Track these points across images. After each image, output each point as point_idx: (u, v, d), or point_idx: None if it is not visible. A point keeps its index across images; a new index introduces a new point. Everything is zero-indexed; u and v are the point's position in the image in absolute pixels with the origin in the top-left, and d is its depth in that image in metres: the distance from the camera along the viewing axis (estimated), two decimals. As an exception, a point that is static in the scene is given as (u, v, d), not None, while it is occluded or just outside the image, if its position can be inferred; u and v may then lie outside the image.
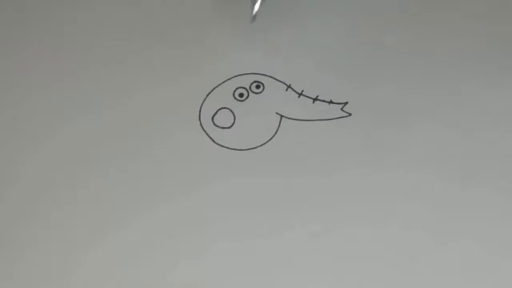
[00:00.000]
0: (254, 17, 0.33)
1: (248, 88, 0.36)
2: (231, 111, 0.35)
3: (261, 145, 0.34)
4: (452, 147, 0.34)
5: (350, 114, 0.35)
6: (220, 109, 0.35)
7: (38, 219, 0.32)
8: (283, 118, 0.35)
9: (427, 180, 0.33)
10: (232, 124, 0.35)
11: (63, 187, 0.33)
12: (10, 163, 0.34)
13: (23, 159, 0.34)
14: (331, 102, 0.35)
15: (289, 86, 0.36)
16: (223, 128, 0.35)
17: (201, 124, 0.35)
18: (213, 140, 0.34)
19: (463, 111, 0.35)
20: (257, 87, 0.36)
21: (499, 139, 0.34)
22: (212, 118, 0.35)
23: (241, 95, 0.36)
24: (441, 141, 0.34)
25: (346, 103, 0.35)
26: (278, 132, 0.35)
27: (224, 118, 0.35)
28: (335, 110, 0.35)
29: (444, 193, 0.33)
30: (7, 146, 0.34)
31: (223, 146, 0.34)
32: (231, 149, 0.34)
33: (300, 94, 0.36)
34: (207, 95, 0.35)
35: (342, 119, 0.35)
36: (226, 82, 0.36)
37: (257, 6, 0.33)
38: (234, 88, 0.36)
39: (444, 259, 0.31)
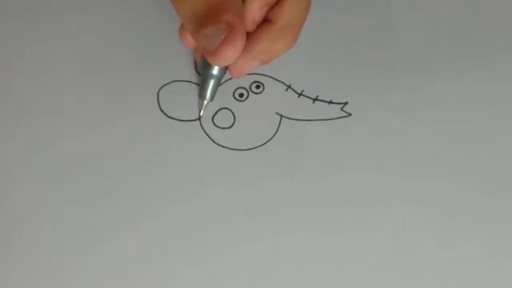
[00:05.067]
0: (200, 115, 0.35)
1: (248, 88, 0.36)
2: (231, 111, 0.35)
3: (261, 145, 0.34)
4: (453, 148, 0.34)
5: (350, 114, 0.35)
6: (220, 109, 0.35)
7: (39, 221, 0.32)
8: (283, 118, 0.35)
9: (428, 181, 0.33)
10: (232, 124, 0.35)
11: (64, 190, 0.33)
12: (13, 165, 0.34)
13: (25, 161, 0.34)
14: (331, 102, 0.35)
15: (289, 86, 0.36)
16: (223, 128, 0.35)
17: (201, 124, 0.35)
18: (213, 140, 0.34)
19: (465, 111, 0.35)
20: (257, 87, 0.36)
21: (499, 139, 0.34)
22: (212, 118, 0.35)
23: (241, 95, 0.36)
24: (442, 141, 0.34)
25: (346, 103, 0.35)
26: (278, 132, 0.35)
27: (224, 118, 0.35)
28: (335, 110, 0.35)
29: (446, 194, 0.33)
30: (10, 148, 0.34)
31: (223, 146, 0.34)
32: (231, 149, 0.34)
33: (300, 94, 0.36)
34: (207, 95, 0.35)
35: (342, 119, 0.35)
36: (226, 82, 0.36)
37: (204, 107, 0.35)
38: (234, 88, 0.36)
39: (445, 262, 0.31)
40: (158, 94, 0.35)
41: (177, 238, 0.32)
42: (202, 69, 0.34)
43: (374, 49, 0.37)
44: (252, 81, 0.36)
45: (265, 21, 0.33)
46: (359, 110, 0.35)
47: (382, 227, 0.32)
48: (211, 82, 0.34)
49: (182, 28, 0.34)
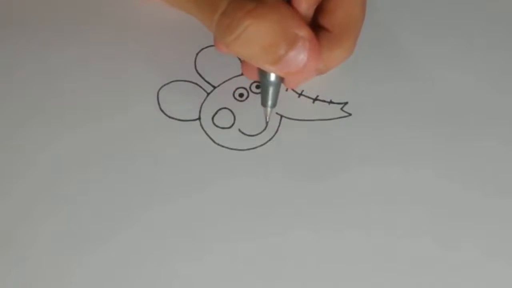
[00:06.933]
0: (266, 123, 0.35)
1: (248, 88, 0.36)
2: (231, 111, 0.35)
3: (261, 145, 0.34)
4: (453, 147, 0.34)
5: (350, 114, 0.35)
6: (220, 109, 0.35)
7: (39, 220, 0.32)
8: (283, 118, 0.35)
9: (428, 181, 0.33)
10: (232, 124, 0.35)
11: (63, 189, 0.33)
12: (11, 164, 0.34)
13: (24, 160, 0.34)
14: (331, 102, 0.35)
15: (289, 86, 0.36)
16: (223, 128, 0.35)
17: (201, 124, 0.35)
18: (213, 140, 0.34)
19: (465, 110, 0.35)
20: (257, 87, 0.36)
21: (499, 138, 0.34)
22: (212, 118, 0.35)
23: (241, 95, 0.36)
24: (443, 141, 0.34)
25: (346, 103, 0.35)
26: (278, 132, 0.35)
27: (224, 118, 0.35)
28: (335, 110, 0.35)
29: (446, 194, 0.33)
30: (9, 148, 0.34)
31: (223, 146, 0.34)
32: (231, 149, 0.34)
33: (300, 94, 0.36)
34: (207, 95, 0.35)
35: (342, 119, 0.35)
36: (226, 82, 0.36)
37: (268, 114, 0.33)
38: (234, 88, 0.36)
39: (445, 262, 0.31)
40: (158, 94, 0.36)
41: (176, 238, 0.32)
42: (260, 78, 0.32)
43: (374, 49, 0.37)
44: (252, 81, 0.36)
45: (321, 28, 0.31)
46: (359, 110, 0.35)
47: (382, 226, 0.32)
48: (271, 89, 0.32)
49: (245, 65, 0.33)
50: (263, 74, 0.32)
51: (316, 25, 0.32)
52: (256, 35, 0.28)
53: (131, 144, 0.34)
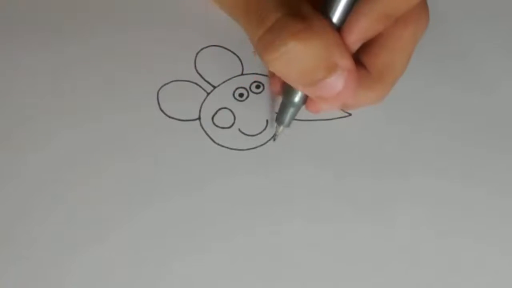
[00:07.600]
0: (274, 138, 0.34)
1: (248, 88, 0.36)
2: (231, 111, 0.35)
3: (261, 145, 0.34)
4: (454, 146, 0.34)
5: (350, 114, 0.35)
6: (220, 109, 0.35)
7: (37, 219, 0.32)
8: (283, 118, 0.35)
9: (428, 181, 0.33)
10: (232, 124, 0.35)
11: (63, 187, 0.33)
12: (10, 163, 0.34)
13: (24, 160, 0.34)
14: (331, 102, 0.35)
15: (289, 86, 0.36)
16: (223, 128, 0.35)
17: (201, 124, 0.35)
18: (213, 140, 0.34)
19: (464, 110, 0.35)
20: (257, 87, 0.36)
21: (501, 139, 0.34)
22: (212, 118, 0.35)
23: (241, 95, 0.36)
24: (443, 140, 0.34)
25: (346, 103, 0.35)
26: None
27: (224, 118, 0.35)
28: (335, 110, 0.35)
29: (446, 194, 0.33)
30: (8, 145, 0.34)
31: (223, 146, 0.34)
32: (231, 149, 0.34)
33: (300, 94, 0.36)
34: (207, 95, 0.35)
35: (342, 119, 0.35)
36: (226, 82, 0.36)
37: (280, 131, 0.34)
38: (234, 88, 0.36)
39: (445, 263, 0.31)
40: (158, 94, 0.36)
41: (176, 238, 0.32)
42: (284, 96, 0.32)
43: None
44: (252, 81, 0.36)
45: (361, 65, 0.31)
46: (359, 110, 0.35)
47: (382, 226, 0.32)
48: (291, 110, 0.32)
49: (274, 78, 0.32)
50: (288, 93, 0.31)
51: (356, 60, 0.30)
52: (297, 57, 0.27)
53: (131, 144, 0.34)
